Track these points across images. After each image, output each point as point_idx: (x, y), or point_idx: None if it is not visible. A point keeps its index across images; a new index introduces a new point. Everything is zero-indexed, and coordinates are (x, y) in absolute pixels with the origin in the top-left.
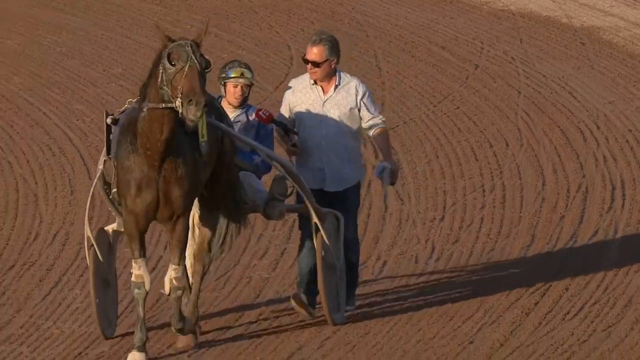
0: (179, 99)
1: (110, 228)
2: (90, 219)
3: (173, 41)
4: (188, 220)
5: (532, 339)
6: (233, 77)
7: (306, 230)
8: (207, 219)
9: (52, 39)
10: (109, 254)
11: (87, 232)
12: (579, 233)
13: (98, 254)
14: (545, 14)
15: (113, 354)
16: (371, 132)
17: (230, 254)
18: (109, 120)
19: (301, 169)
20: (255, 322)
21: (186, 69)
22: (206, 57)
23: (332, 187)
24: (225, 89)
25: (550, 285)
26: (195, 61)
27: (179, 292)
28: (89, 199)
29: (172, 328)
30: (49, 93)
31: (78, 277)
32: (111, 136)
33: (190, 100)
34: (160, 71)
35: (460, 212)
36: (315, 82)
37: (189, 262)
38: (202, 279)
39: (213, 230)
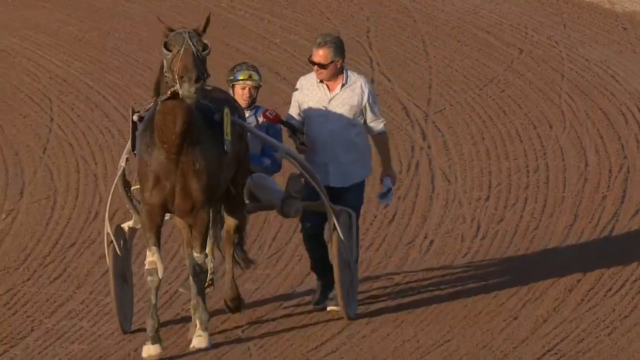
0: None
1: (126, 225)
2: (111, 216)
3: (173, 31)
4: (209, 214)
5: (575, 314)
6: (241, 80)
7: (307, 223)
8: (233, 213)
9: (111, 25)
10: (125, 251)
11: (107, 228)
12: (620, 212)
13: (117, 249)
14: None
15: (170, 328)
16: (371, 134)
17: (282, 233)
18: (135, 118)
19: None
20: (304, 303)
21: (181, 52)
22: (204, 41)
23: (337, 183)
24: (233, 91)
25: (592, 263)
26: (191, 44)
27: (202, 276)
28: (110, 196)
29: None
30: (108, 77)
31: (137, 254)
32: (137, 133)
33: (183, 77)
34: (162, 61)
35: (505, 192)
36: (322, 81)
37: (210, 253)
38: (234, 261)
39: (241, 219)
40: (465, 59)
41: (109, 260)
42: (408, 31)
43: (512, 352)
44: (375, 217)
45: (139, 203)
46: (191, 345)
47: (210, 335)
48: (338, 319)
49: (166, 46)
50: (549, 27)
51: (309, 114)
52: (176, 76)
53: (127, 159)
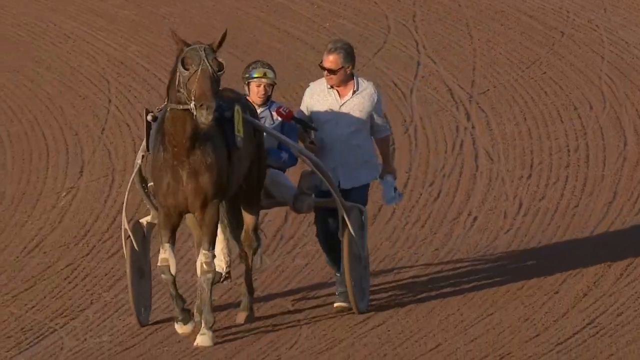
0: (193, 101)
1: (144, 220)
2: (127, 211)
3: (189, 45)
4: (218, 209)
5: (614, 289)
6: (256, 77)
7: (321, 225)
8: (250, 209)
9: (166, 9)
10: (143, 245)
11: (125, 224)
12: None
13: (134, 244)
14: None
15: (222, 302)
16: (376, 137)
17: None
18: (149, 118)
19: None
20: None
21: (199, 73)
22: (220, 60)
23: (346, 184)
24: (249, 88)
25: (631, 239)
26: (208, 64)
27: (209, 275)
28: (127, 192)
29: (199, 315)
30: (164, 60)
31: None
32: (151, 132)
33: (202, 104)
34: (177, 75)
35: (547, 170)
36: (332, 87)
37: (219, 248)
38: (252, 261)
39: (256, 217)
40: (509, 42)
41: (126, 255)
42: (453, 15)
43: (553, 325)
44: (421, 194)
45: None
46: (195, 343)
47: (215, 331)
48: (383, 294)
49: (183, 63)
50: (590, 10)
51: (319, 119)
52: (192, 97)
53: (142, 157)
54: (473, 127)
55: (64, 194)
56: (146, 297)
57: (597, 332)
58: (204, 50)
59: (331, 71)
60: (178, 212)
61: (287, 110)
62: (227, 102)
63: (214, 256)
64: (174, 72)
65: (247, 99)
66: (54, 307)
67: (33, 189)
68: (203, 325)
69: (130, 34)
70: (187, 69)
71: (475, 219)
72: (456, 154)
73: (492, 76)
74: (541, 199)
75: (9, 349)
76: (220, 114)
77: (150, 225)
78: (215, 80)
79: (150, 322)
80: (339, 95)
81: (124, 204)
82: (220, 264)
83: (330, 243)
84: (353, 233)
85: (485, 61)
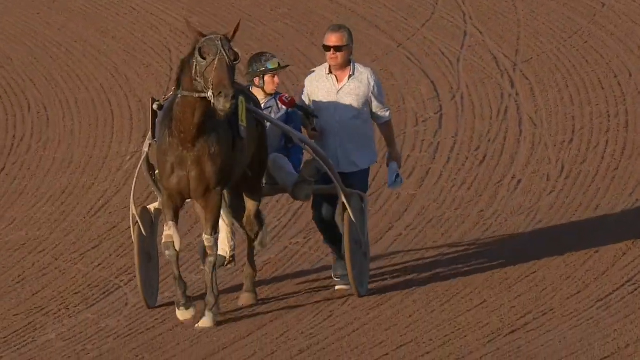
0: (210, 90)
1: (152, 207)
2: (135, 197)
3: (204, 36)
4: (221, 196)
5: None
6: (272, 69)
7: (318, 211)
8: (252, 195)
9: None
10: (151, 230)
11: (133, 210)
12: None
13: (142, 229)
14: None
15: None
16: (378, 122)
17: (381, 174)
18: (155, 106)
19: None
20: (403, 234)
21: (216, 62)
22: (235, 50)
23: (345, 168)
24: (263, 79)
25: None
26: (225, 54)
27: (211, 259)
28: (135, 179)
29: (207, 299)
30: (223, 31)
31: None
32: (157, 120)
33: (220, 92)
34: (194, 64)
35: (587, 135)
36: (330, 72)
37: (223, 233)
38: (254, 245)
39: (258, 203)
40: (551, 13)
41: (134, 240)
42: None
43: (593, 283)
44: (467, 158)
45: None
46: (196, 325)
47: (223, 313)
48: (432, 251)
49: (200, 53)
50: None
51: (318, 105)
52: (210, 86)
53: (149, 145)
54: (517, 94)
55: (129, 157)
56: (153, 281)
57: (636, 289)
58: (220, 41)
59: (337, 48)
60: (181, 196)
61: (289, 98)
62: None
63: (216, 241)
64: (186, 61)
65: (249, 90)
66: (118, 265)
67: (99, 153)
68: (205, 307)
69: (191, 5)
70: (204, 58)
71: (519, 181)
72: (501, 120)
73: (535, 45)
74: (582, 163)
75: (77, 304)
76: None
77: (158, 211)
78: (231, 69)
79: (157, 305)
80: (337, 81)
81: (132, 190)
82: (225, 248)
83: (325, 226)
84: (353, 219)
85: (529, 31)
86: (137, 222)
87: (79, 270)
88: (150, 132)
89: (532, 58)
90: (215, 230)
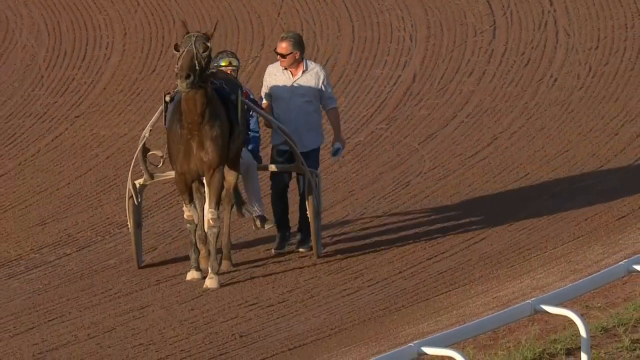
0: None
1: (137, 182)
2: (133, 174)
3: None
4: (222, 174)
5: None
6: (223, 66)
7: (277, 182)
8: (232, 171)
9: None
10: (139, 202)
11: (129, 185)
12: None
13: (135, 201)
14: None
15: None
16: (326, 109)
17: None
18: (167, 98)
19: (275, 134)
20: (464, 121)
21: (184, 53)
22: (207, 44)
23: (300, 148)
24: None
25: None
26: (193, 47)
27: (215, 229)
28: (134, 158)
29: (209, 264)
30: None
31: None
32: (168, 111)
33: (177, 74)
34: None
35: (610, 43)
36: (286, 68)
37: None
38: (229, 216)
39: (236, 178)
40: None
41: (128, 211)
42: None
43: (614, 159)
44: (515, 61)
45: (154, 166)
46: (204, 285)
47: (220, 275)
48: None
49: (176, 47)
50: None
51: (276, 94)
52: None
53: (150, 131)
54: (555, 11)
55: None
56: (140, 244)
57: None
58: (195, 37)
59: (282, 55)
60: (191, 177)
61: (244, 91)
62: (232, 86)
63: (219, 214)
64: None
65: (236, 78)
66: None
67: None
68: (210, 270)
69: None
70: (178, 51)
71: (555, 80)
72: (541, 31)
73: None
74: (605, 65)
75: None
76: (226, 96)
77: (142, 186)
78: (198, 58)
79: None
80: (292, 75)
81: (131, 168)
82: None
83: (279, 196)
84: (313, 191)
85: None
86: (131, 196)
87: None
88: (154, 119)
89: None
90: (217, 205)
